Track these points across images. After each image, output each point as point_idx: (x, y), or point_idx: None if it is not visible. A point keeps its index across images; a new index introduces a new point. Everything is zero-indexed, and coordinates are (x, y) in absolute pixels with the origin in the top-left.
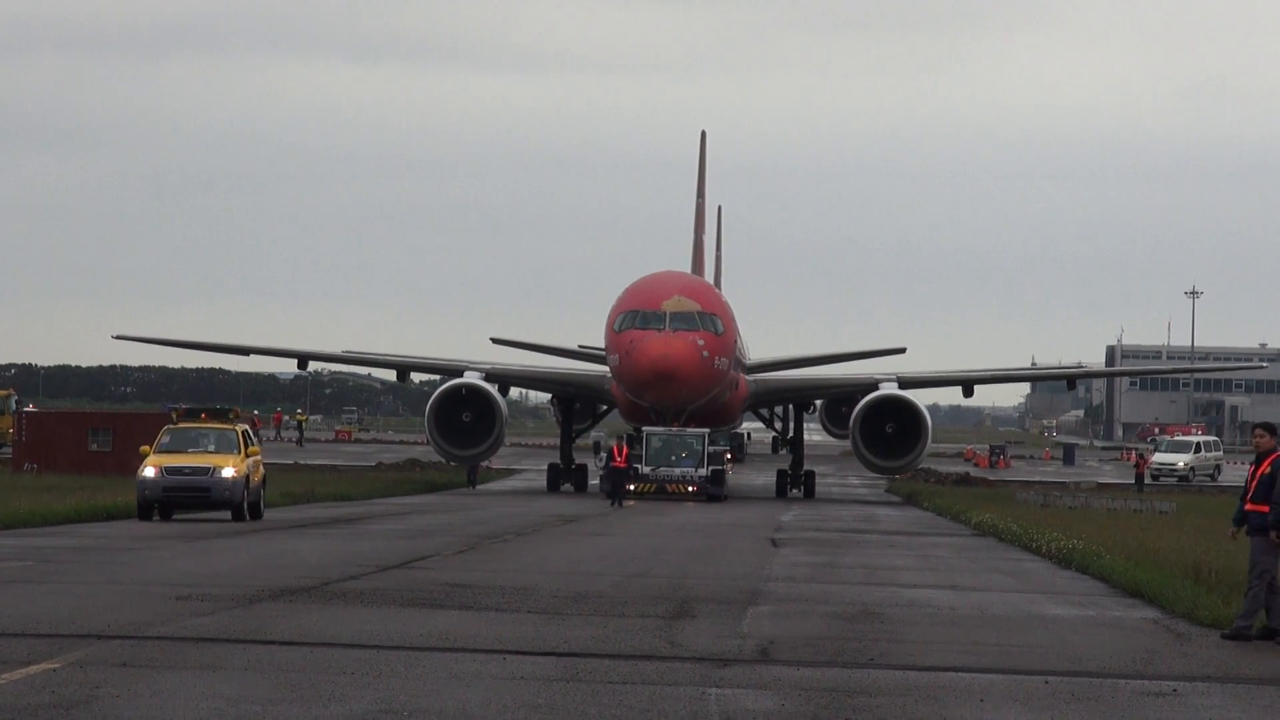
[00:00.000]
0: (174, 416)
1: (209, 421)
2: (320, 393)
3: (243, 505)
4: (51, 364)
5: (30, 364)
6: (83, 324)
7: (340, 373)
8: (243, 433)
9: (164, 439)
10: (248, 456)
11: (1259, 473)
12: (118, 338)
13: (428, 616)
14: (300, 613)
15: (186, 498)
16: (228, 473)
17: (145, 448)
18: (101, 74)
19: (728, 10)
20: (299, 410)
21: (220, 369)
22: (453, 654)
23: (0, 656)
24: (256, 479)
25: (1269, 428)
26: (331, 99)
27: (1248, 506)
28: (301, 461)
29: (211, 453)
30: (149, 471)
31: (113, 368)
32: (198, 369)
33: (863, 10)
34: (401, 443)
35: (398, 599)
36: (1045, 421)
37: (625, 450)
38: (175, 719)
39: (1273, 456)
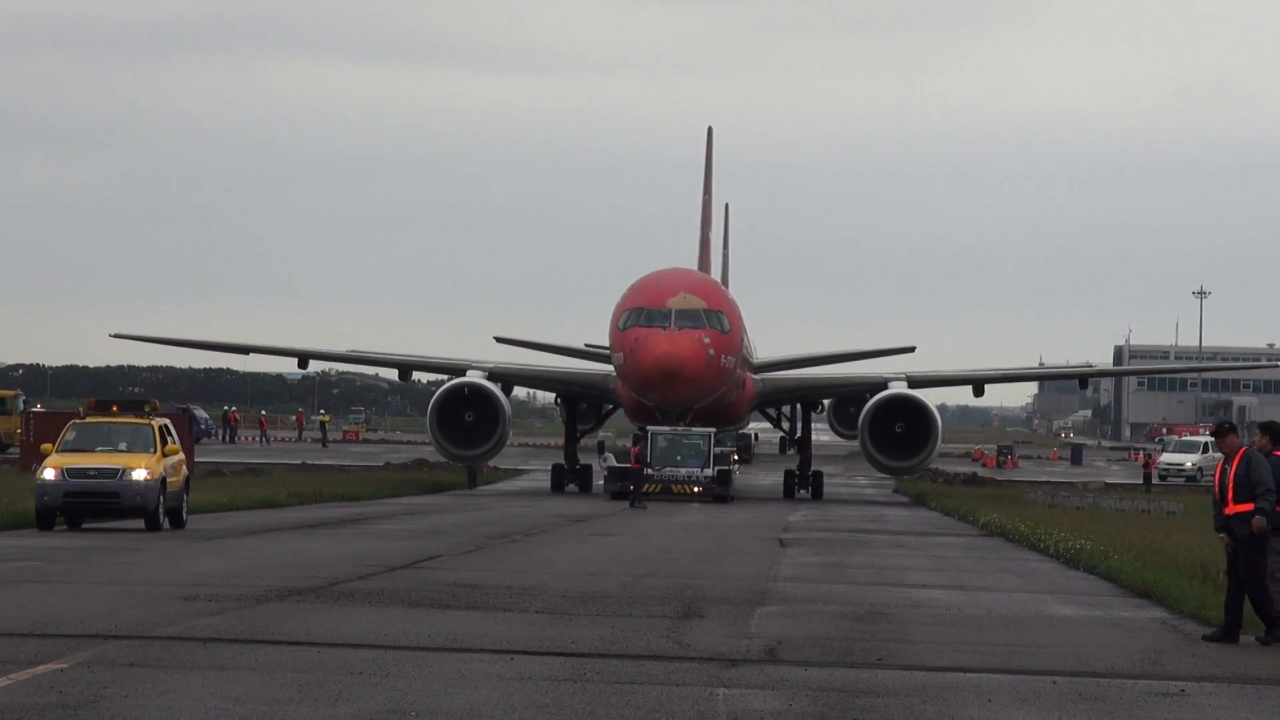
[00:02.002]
0: (82, 410)
1: (121, 415)
2: (328, 393)
3: (157, 512)
4: (59, 364)
5: (38, 364)
6: (91, 324)
7: (348, 373)
8: (160, 428)
9: (69, 435)
10: (165, 456)
11: (1235, 472)
12: (115, 336)
13: (435, 617)
14: (308, 613)
15: (92, 504)
16: (139, 475)
17: (47, 445)
18: (101, 74)
19: (729, 10)
20: (321, 411)
21: (228, 369)
22: (460, 654)
23: (7, 657)
24: (176, 482)
25: (1234, 428)
26: (332, 99)
27: (1230, 509)
28: (309, 462)
29: (123, 452)
30: (48, 474)
31: (120, 368)
32: (205, 369)
33: (866, 10)
34: (409, 443)
35: (405, 599)
36: (1061, 422)
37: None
38: (183, 719)
39: (1241, 452)
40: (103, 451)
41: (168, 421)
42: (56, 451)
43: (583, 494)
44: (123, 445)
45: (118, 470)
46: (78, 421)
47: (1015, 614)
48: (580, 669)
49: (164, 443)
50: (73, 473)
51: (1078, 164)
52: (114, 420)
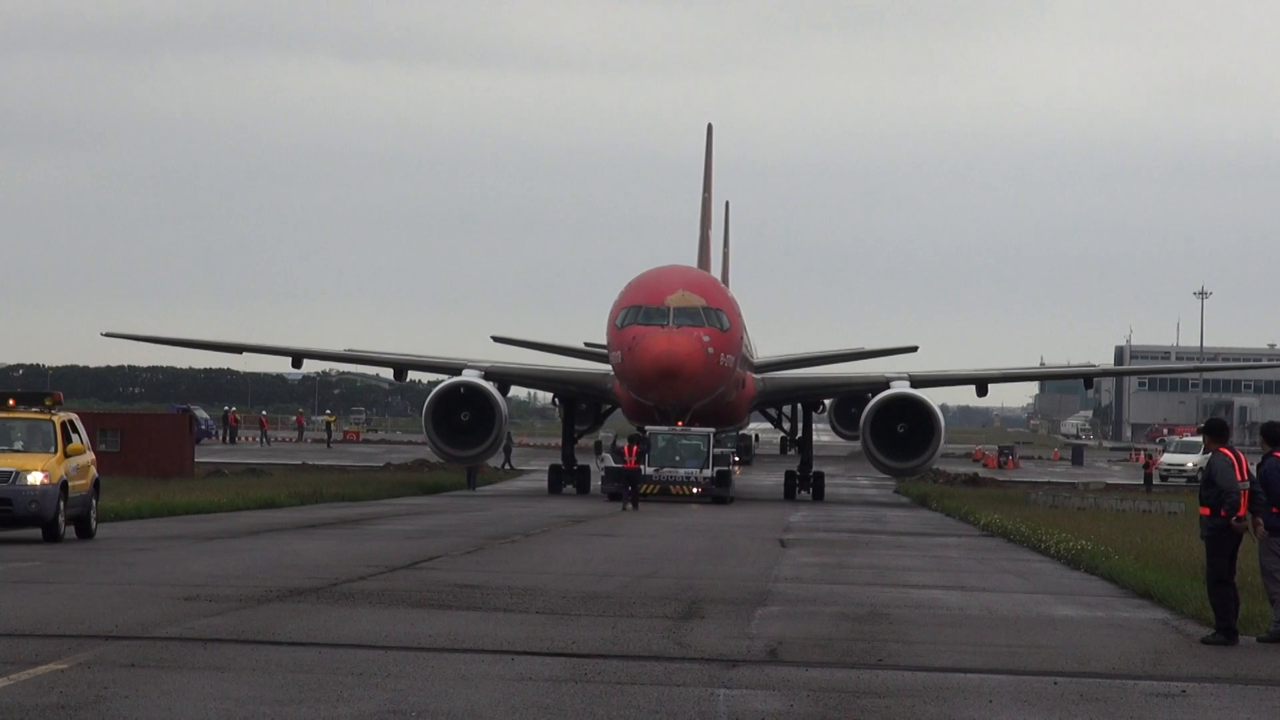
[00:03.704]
0: None
1: (17, 410)
2: (328, 393)
3: (57, 521)
4: (60, 364)
5: (38, 364)
6: (91, 325)
7: (348, 373)
8: (63, 425)
9: None
10: (68, 456)
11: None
12: (107, 335)
13: (436, 617)
14: (308, 613)
15: None
16: (35, 478)
17: None
18: (98, 74)
19: (729, 9)
20: (327, 411)
21: (228, 369)
22: (461, 654)
23: (8, 657)
24: (81, 486)
25: (1209, 429)
26: (329, 98)
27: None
28: (310, 462)
29: (18, 451)
30: None
31: (120, 368)
32: (205, 369)
33: (865, 9)
34: (409, 443)
35: (406, 600)
36: (1074, 421)
37: (636, 449)
38: None
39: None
40: None
41: (74, 417)
42: None
43: (581, 495)
44: (18, 444)
45: (10, 473)
46: None
47: (1016, 615)
48: (581, 669)
49: (67, 441)
50: None
51: (1077, 164)
52: (9, 415)
